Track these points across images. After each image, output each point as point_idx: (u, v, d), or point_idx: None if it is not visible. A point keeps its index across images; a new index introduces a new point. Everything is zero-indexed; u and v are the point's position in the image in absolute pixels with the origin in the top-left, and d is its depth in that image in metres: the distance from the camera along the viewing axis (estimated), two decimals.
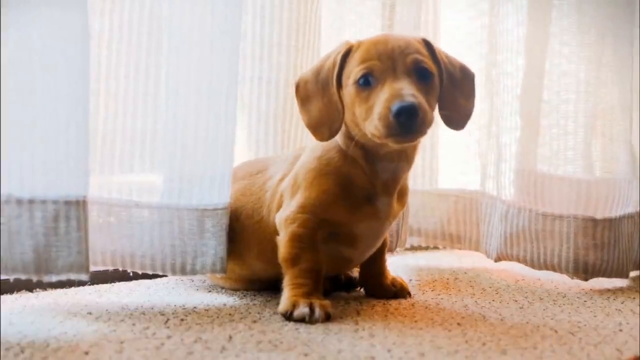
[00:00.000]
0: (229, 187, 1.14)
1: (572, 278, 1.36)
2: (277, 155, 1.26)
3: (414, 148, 1.10)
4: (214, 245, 1.12)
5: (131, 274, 1.25)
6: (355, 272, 1.27)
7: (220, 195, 1.13)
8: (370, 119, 1.00)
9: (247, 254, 1.16)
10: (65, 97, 0.97)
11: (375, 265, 1.20)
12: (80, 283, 1.21)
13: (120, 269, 1.13)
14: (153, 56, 1.13)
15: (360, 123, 1.03)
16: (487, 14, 1.49)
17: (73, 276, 0.98)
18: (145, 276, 1.23)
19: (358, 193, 1.08)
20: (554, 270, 1.37)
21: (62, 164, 0.97)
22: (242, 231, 1.15)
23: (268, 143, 1.34)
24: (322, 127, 1.08)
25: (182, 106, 1.11)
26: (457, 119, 1.10)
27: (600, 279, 1.38)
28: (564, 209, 1.37)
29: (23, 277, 0.96)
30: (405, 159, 1.09)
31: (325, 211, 1.07)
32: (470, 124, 1.50)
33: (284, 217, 1.09)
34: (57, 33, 0.96)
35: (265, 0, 1.29)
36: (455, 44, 1.56)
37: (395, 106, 0.96)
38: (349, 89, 1.04)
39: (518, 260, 1.40)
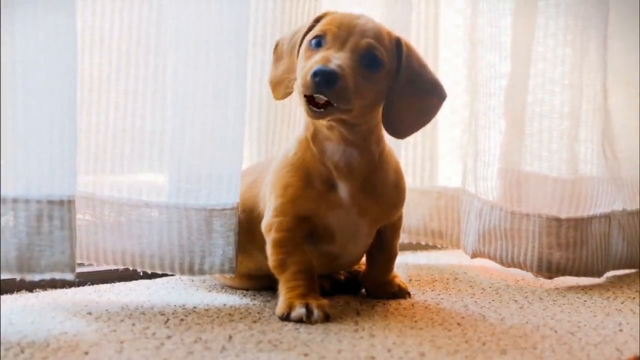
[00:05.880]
0: (238, 187, 1.14)
1: (536, 277, 1.38)
2: None
3: (356, 131, 1.06)
4: (222, 246, 1.13)
5: (131, 273, 1.25)
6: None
7: (228, 195, 1.13)
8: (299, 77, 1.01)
9: (252, 246, 1.16)
10: (50, 97, 0.97)
11: (377, 267, 1.20)
12: (80, 283, 1.21)
13: (130, 268, 1.14)
14: (161, 56, 1.13)
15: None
16: (469, 15, 1.49)
17: (57, 275, 0.98)
18: (145, 276, 1.23)
19: (317, 180, 1.07)
20: (520, 268, 1.39)
21: (46, 164, 0.97)
22: (248, 223, 1.15)
23: (252, 142, 1.35)
24: (279, 86, 1.10)
25: (189, 106, 1.12)
26: (396, 126, 1.08)
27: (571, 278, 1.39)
28: (531, 207, 1.38)
29: (6, 276, 0.96)
30: (351, 144, 1.07)
31: (294, 207, 1.07)
32: (461, 123, 1.53)
33: (265, 224, 1.10)
34: (40, 33, 0.96)
35: (250, 2, 1.30)
36: (455, 44, 1.56)
37: (316, 67, 0.96)
38: (302, 47, 1.05)
39: (489, 258, 1.42)
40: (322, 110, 0.99)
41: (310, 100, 0.98)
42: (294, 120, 1.38)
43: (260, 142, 1.36)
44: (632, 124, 1.53)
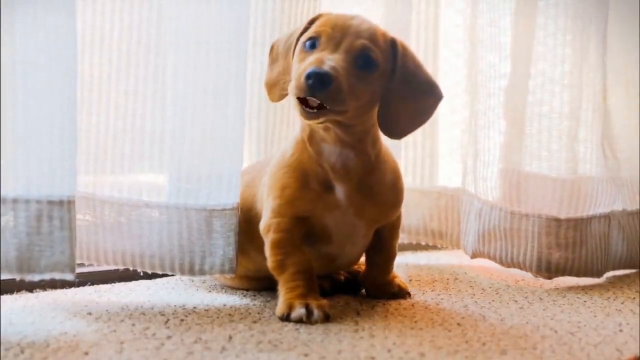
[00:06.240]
0: (238, 187, 1.14)
1: (536, 277, 1.39)
2: None
3: (352, 132, 1.06)
4: (222, 246, 1.13)
5: (132, 273, 1.25)
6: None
7: (228, 196, 1.13)
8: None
9: (250, 246, 1.16)
10: (50, 97, 0.97)
11: (376, 268, 1.20)
12: (80, 283, 1.21)
13: (131, 268, 1.14)
14: (161, 56, 1.13)
15: None
16: (469, 15, 1.49)
17: (57, 275, 0.98)
18: (145, 276, 1.23)
19: (314, 181, 1.07)
20: (519, 268, 1.39)
21: (46, 164, 0.97)
22: (246, 223, 1.15)
23: (252, 142, 1.35)
24: (275, 88, 1.11)
25: (189, 106, 1.12)
26: (392, 127, 1.07)
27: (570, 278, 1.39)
28: (530, 207, 1.39)
29: (6, 276, 0.96)
30: (347, 145, 1.06)
31: (291, 208, 1.07)
32: (461, 124, 1.53)
33: (263, 225, 1.10)
34: (40, 33, 0.96)
35: (250, 2, 1.30)
36: (455, 44, 1.56)
37: (309, 69, 0.96)
38: (297, 49, 1.05)
39: (489, 258, 1.43)
40: (315, 111, 0.98)
41: (303, 101, 0.98)
42: (293, 121, 1.38)
43: (260, 142, 1.36)
44: (632, 124, 1.53)
